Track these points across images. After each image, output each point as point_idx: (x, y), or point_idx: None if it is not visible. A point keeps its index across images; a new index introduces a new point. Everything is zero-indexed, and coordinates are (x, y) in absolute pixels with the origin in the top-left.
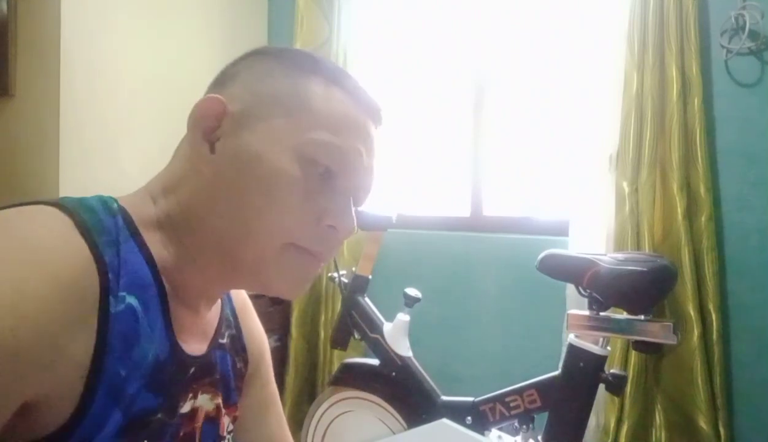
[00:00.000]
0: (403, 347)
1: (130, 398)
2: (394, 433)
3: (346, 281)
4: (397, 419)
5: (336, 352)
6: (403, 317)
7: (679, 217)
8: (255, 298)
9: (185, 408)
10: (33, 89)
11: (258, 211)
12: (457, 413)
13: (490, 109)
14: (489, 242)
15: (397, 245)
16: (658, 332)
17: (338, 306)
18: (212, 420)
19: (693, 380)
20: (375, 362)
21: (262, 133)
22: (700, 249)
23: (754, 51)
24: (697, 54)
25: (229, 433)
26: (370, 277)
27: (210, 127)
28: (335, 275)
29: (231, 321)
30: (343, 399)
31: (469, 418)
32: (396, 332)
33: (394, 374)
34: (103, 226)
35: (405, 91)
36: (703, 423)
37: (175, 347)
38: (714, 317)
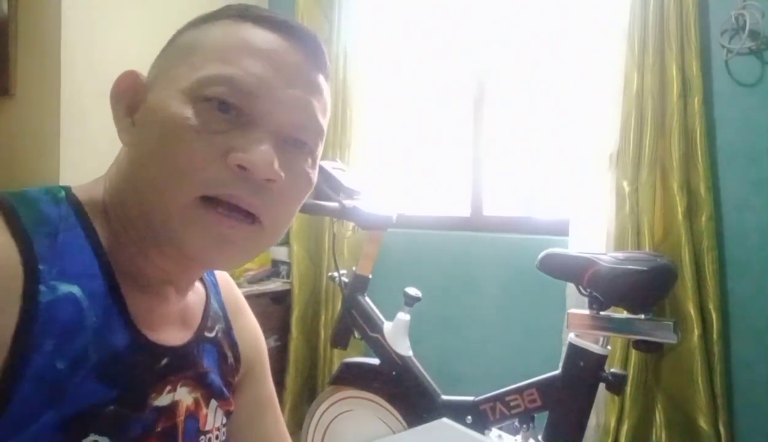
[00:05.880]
0: (403, 347)
1: (72, 391)
2: (394, 432)
3: (346, 280)
4: (397, 418)
5: (336, 351)
6: (403, 316)
7: (680, 216)
8: (255, 297)
9: (162, 401)
10: (33, 89)
11: (158, 166)
12: (457, 412)
13: (490, 108)
14: (489, 242)
15: (397, 244)
16: (658, 332)
17: (338, 306)
18: (192, 415)
19: (693, 380)
20: (375, 361)
21: (160, 87)
22: (701, 249)
23: (755, 51)
24: (698, 54)
25: (223, 426)
26: (370, 276)
27: (131, 102)
28: (335, 274)
29: (220, 315)
30: (344, 398)
31: (469, 417)
32: (396, 332)
33: (394, 373)
34: (41, 216)
35: (405, 90)
36: (703, 423)
37: (137, 336)
38: (714, 316)
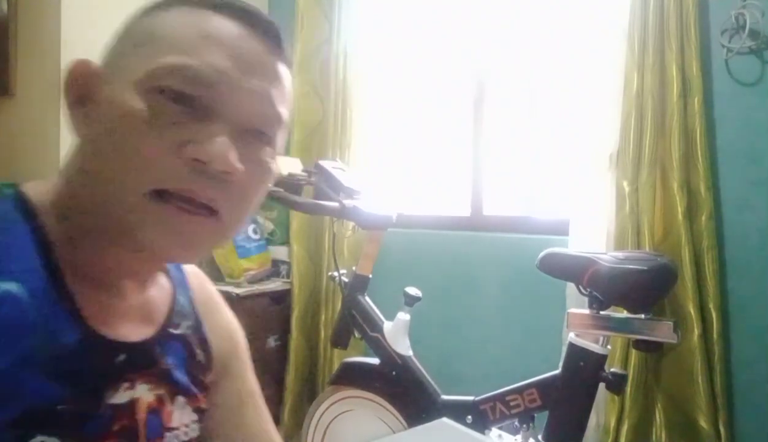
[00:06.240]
0: (403, 346)
1: (16, 390)
2: (394, 432)
3: (346, 280)
4: (397, 418)
5: (336, 351)
6: (403, 316)
7: (680, 216)
8: (255, 297)
9: (119, 399)
10: (33, 89)
11: (112, 161)
12: (457, 412)
13: (490, 108)
14: (489, 242)
15: (397, 244)
16: (658, 331)
17: (338, 305)
18: (155, 412)
19: (693, 380)
20: (375, 361)
21: (114, 78)
22: (701, 248)
23: (755, 50)
24: (698, 53)
25: (193, 422)
26: (370, 276)
27: (83, 92)
28: (335, 273)
29: (188, 311)
30: (344, 398)
31: (469, 417)
32: (396, 331)
33: (394, 373)
34: None
35: (405, 90)
36: (703, 422)
37: (87, 332)
38: (714, 316)
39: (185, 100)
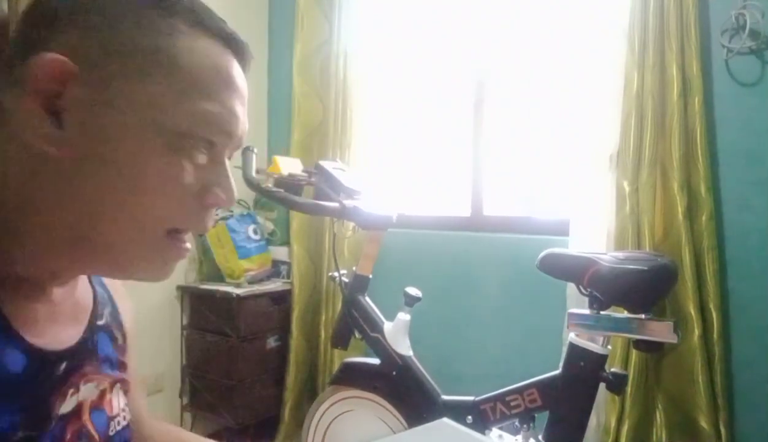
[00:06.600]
0: (403, 347)
1: None
2: (394, 432)
3: (346, 280)
4: (397, 418)
5: (336, 351)
6: (403, 316)
7: (680, 216)
8: (255, 298)
9: (67, 407)
10: None
11: (126, 201)
12: (457, 412)
13: (490, 108)
14: (489, 242)
15: (397, 244)
16: (658, 331)
17: (339, 306)
18: (97, 407)
19: (694, 380)
20: (376, 361)
21: (122, 102)
22: (701, 248)
23: (755, 50)
24: (698, 53)
25: (127, 405)
26: (370, 276)
27: (52, 95)
28: (336, 274)
29: (106, 298)
30: (344, 398)
31: (469, 417)
32: (397, 332)
33: (394, 373)
34: None
35: (405, 91)
36: (703, 423)
37: (28, 350)
38: (714, 316)
39: (210, 146)
